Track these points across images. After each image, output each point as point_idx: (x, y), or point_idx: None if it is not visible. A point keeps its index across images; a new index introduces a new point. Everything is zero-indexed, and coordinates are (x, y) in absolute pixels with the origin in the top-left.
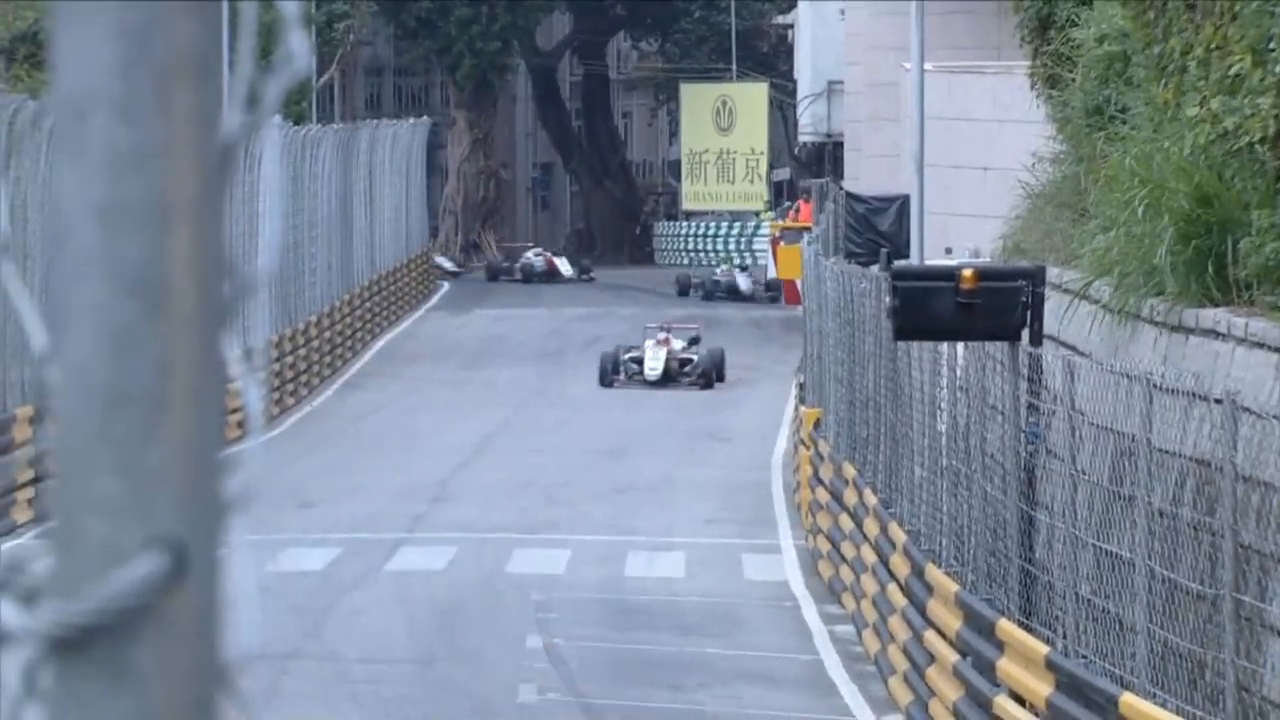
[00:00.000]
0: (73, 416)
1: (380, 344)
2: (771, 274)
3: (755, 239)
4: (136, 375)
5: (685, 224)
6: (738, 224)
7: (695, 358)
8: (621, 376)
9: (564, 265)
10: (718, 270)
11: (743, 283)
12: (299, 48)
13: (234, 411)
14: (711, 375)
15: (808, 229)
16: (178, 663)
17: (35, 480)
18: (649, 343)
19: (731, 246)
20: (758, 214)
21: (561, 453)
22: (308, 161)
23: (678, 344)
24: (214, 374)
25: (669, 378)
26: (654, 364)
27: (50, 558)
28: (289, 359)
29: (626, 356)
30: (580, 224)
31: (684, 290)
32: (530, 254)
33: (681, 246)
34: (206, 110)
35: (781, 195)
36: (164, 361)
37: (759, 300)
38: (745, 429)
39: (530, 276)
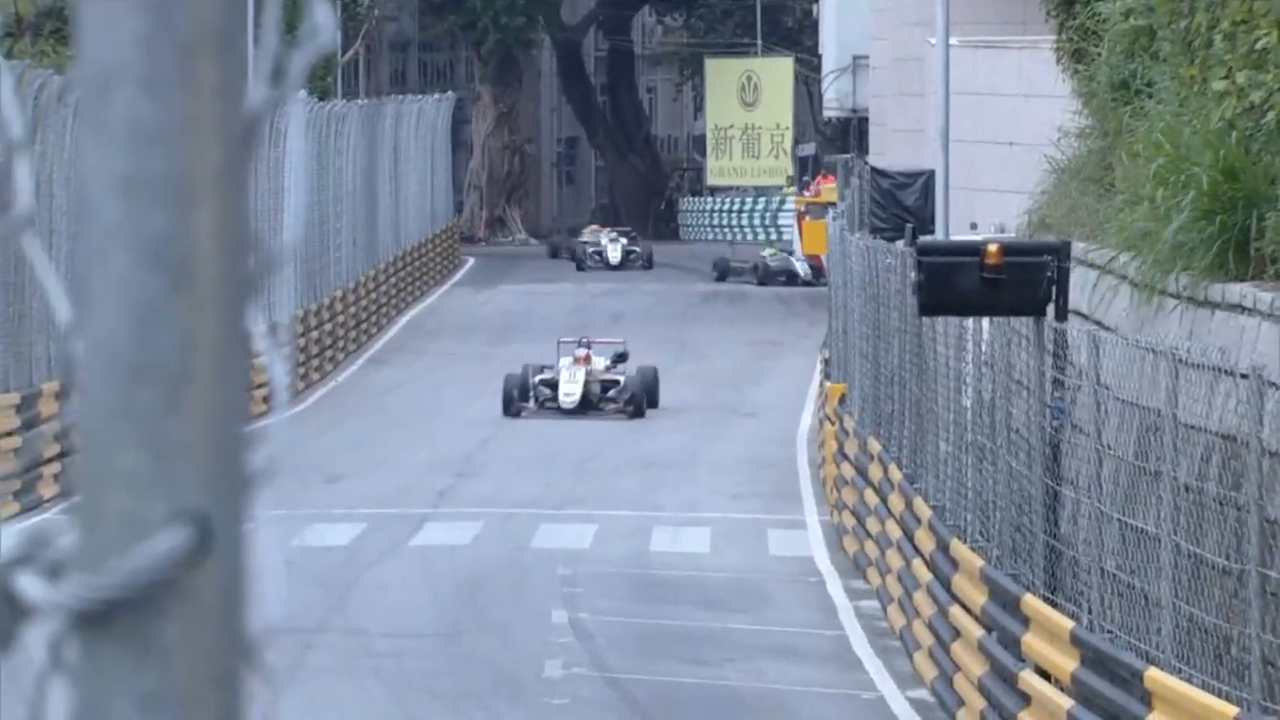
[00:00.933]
0: (96, 390)
1: (405, 319)
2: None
3: (780, 214)
4: (160, 349)
5: (710, 199)
6: (763, 199)
7: (621, 379)
8: (531, 404)
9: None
10: (767, 254)
11: (799, 267)
12: (324, 21)
13: (259, 387)
14: (642, 401)
15: (833, 204)
16: (202, 637)
17: (61, 455)
18: (564, 361)
19: (757, 222)
20: (781, 188)
21: (587, 427)
22: (333, 137)
23: (600, 362)
24: (238, 348)
25: (589, 404)
26: (570, 388)
27: (75, 532)
28: (314, 334)
29: (538, 379)
30: (605, 199)
31: (723, 274)
32: (604, 237)
33: (706, 222)
34: (231, 84)
35: (806, 170)
36: (188, 336)
37: (816, 285)
38: (770, 404)
39: (583, 262)
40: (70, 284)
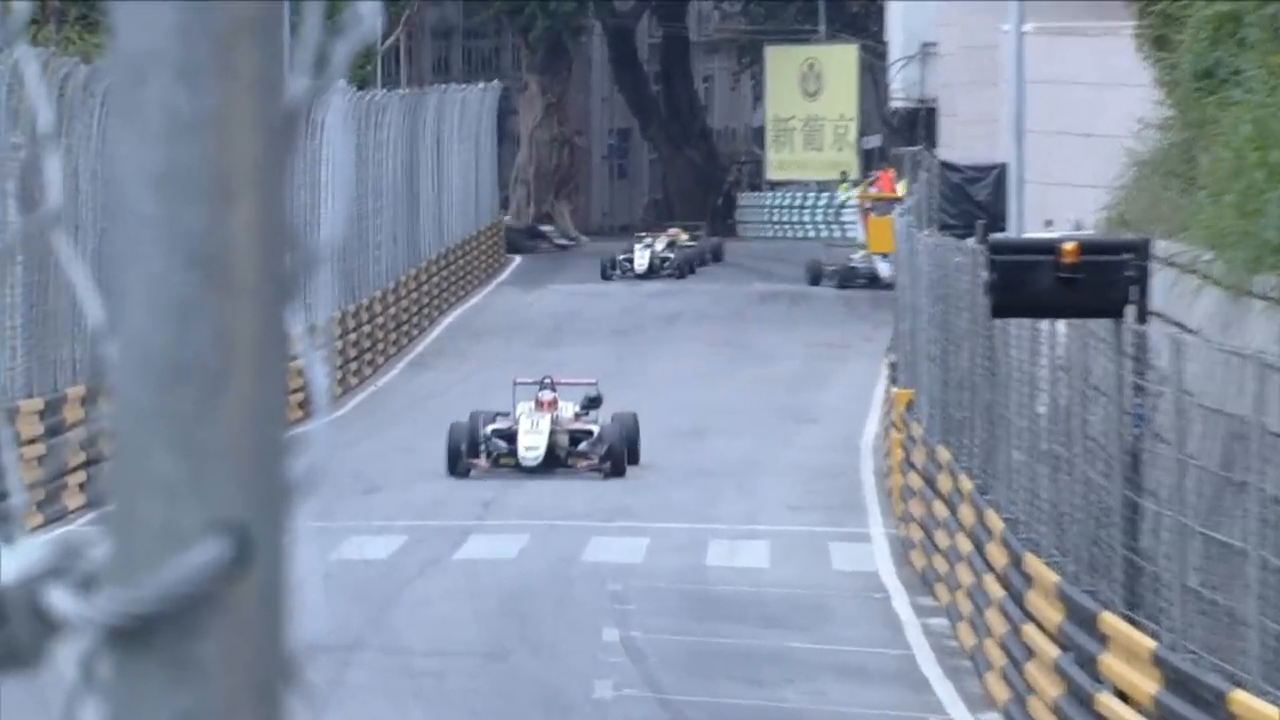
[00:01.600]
0: (129, 393)
1: (448, 320)
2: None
3: (844, 210)
4: (196, 349)
5: (770, 194)
6: (825, 194)
7: (595, 429)
8: (483, 460)
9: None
10: (855, 256)
11: (883, 269)
12: (367, 9)
13: (295, 391)
14: (621, 456)
15: (899, 200)
16: (240, 653)
17: (87, 464)
18: (524, 407)
19: (819, 218)
20: (839, 184)
21: (641, 434)
22: (372, 129)
23: (568, 408)
24: (276, 350)
25: (555, 460)
26: (532, 441)
27: (107, 542)
28: (352, 336)
29: (491, 429)
30: (658, 194)
31: (816, 278)
32: (651, 242)
33: (766, 218)
34: (269, 74)
35: (872, 163)
36: (224, 335)
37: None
38: (833, 409)
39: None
40: (101, 282)
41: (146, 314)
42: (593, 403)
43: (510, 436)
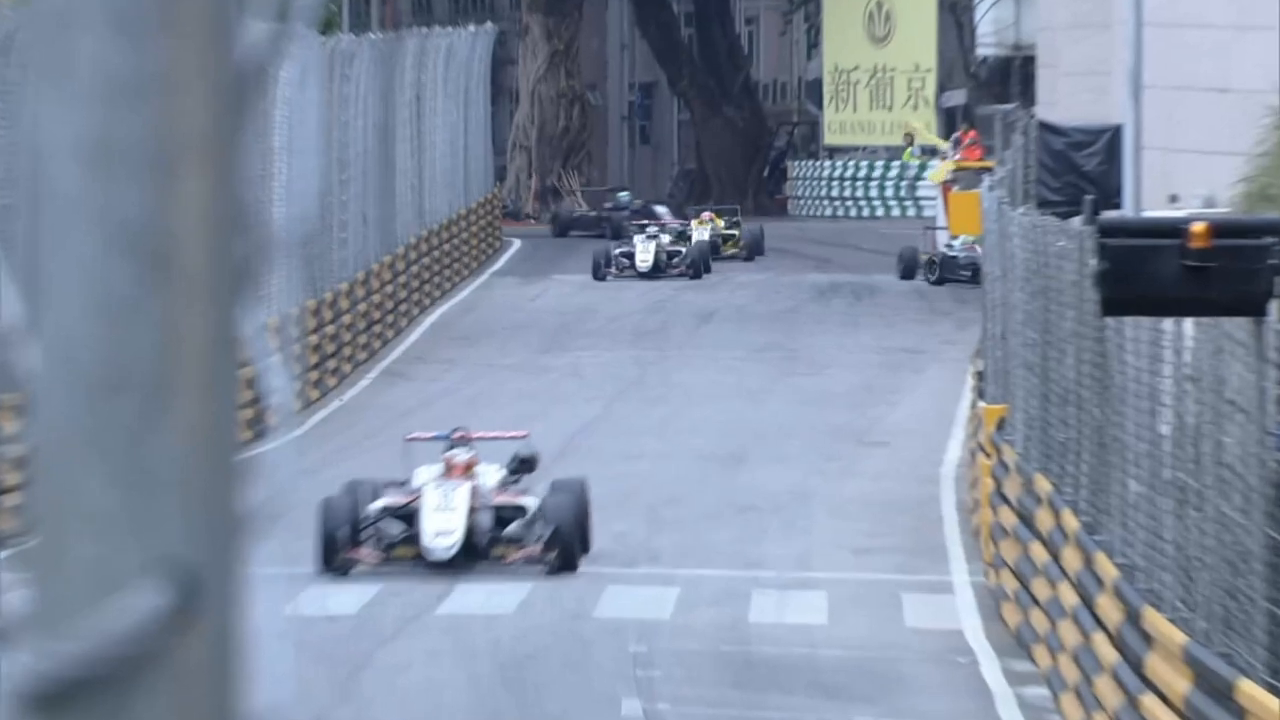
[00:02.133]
0: (55, 408)
1: (431, 319)
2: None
3: (919, 183)
4: (134, 355)
5: (828, 163)
6: (896, 163)
7: (529, 505)
8: (369, 551)
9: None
10: (955, 244)
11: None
12: None
13: (248, 405)
14: (572, 542)
15: (988, 169)
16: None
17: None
18: (428, 474)
19: (888, 192)
20: (904, 150)
21: (667, 460)
22: (336, 83)
23: (490, 474)
24: (229, 356)
25: (474, 550)
26: (443, 524)
27: (30, 585)
28: (312, 339)
29: (379, 505)
30: (690, 164)
31: (910, 270)
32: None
33: (824, 193)
34: (219, 24)
35: (954, 125)
36: (168, 338)
37: None
38: (906, 429)
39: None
40: (20, 275)
41: (76, 313)
42: (524, 464)
43: (409, 516)
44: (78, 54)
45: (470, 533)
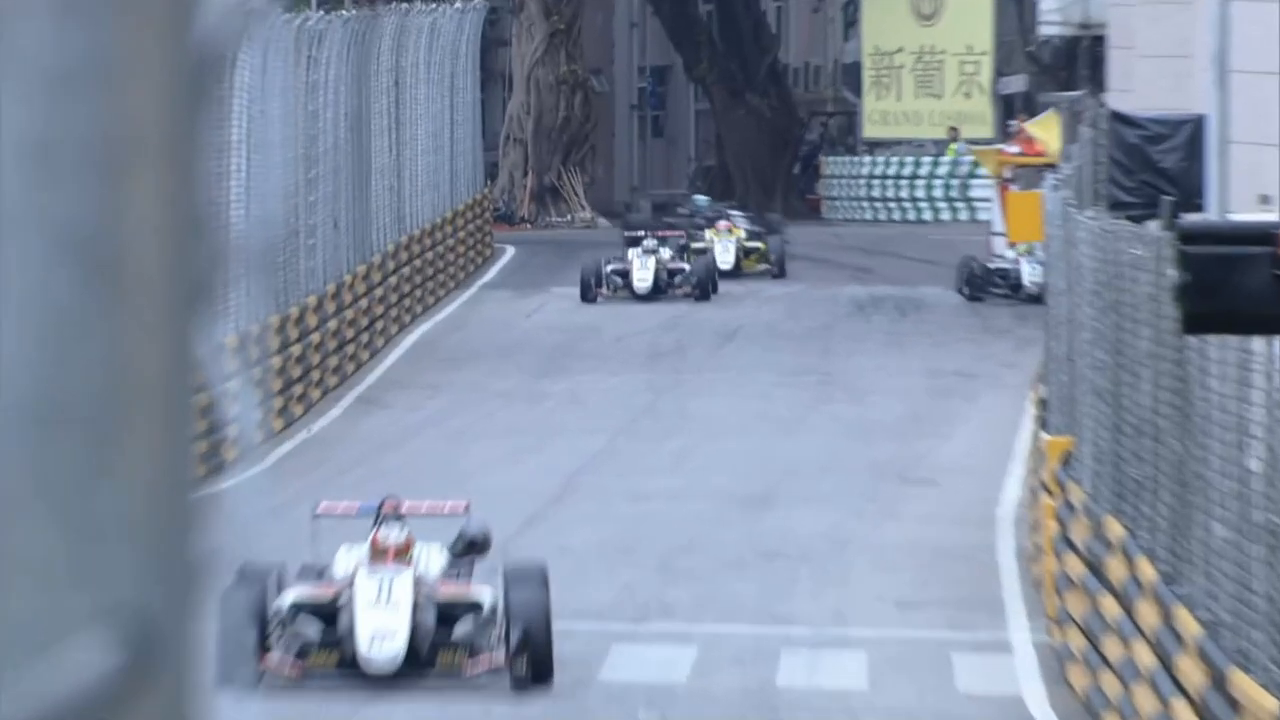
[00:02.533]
0: None
1: (411, 339)
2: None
3: (971, 182)
4: (80, 381)
5: (868, 159)
6: (945, 159)
7: (484, 602)
8: (278, 657)
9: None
10: (1008, 255)
11: (1029, 273)
12: None
13: (204, 436)
14: (546, 649)
15: (1050, 166)
16: None
17: None
18: (352, 559)
19: (937, 193)
20: (950, 142)
21: (683, 500)
22: (304, 68)
23: (432, 559)
24: (185, 381)
25: (416, 658)
26: (382, 623)
27: None
28: (275, 361)
29: (291, 599)
30: (709, 160)
31: (977, 287)
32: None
33: (863, 193)
34: (177, 5)
35: (1012, 115)
36: (118, 362)
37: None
38: (957, 465)
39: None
40: None
41: (11, 333)
42: (474, 546)
43: (331, 617)
44: (16, 42)
45: (414, 640)
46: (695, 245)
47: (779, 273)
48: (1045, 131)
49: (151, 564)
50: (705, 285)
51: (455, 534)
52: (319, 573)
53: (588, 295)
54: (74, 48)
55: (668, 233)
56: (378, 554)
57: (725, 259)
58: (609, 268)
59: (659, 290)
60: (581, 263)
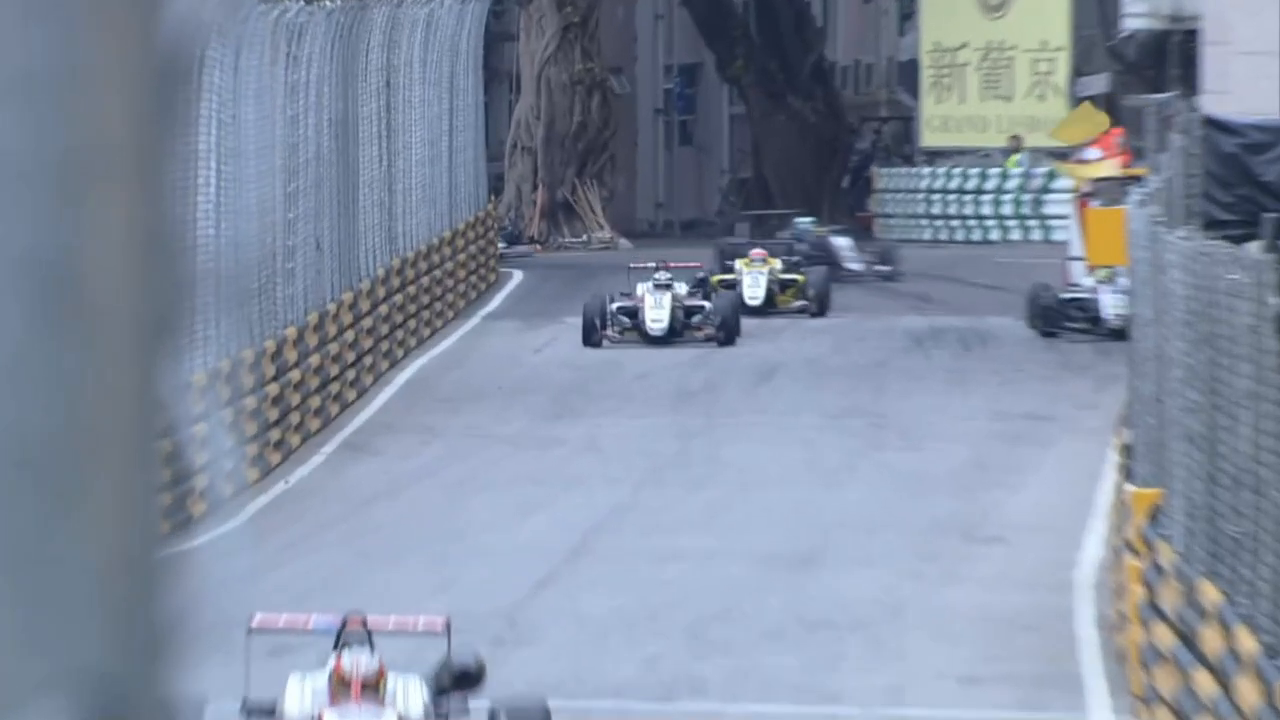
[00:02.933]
0: None
1: (404, 376)
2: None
3: (1046, 197)
4: (34, 424)
5: (927, 171)
6: (1018, 171)
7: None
8: None
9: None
10: (1086, 283)
11: (1110, 304)
12: None
13: (172, 485)
14: None
15: (1135, 179)
16: None
17: None
18: (304, 701)
19: (1006, 209)
20: (1012, 153)
21: (716, 561)
22: (284, 67)
23: (410, 697)
24: (151, 424)
25: None
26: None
27: None
28: (249, 402)
29: None
30: (745, 172)
31: (1052, 321)
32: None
33: (921, 209)
34: (142, 6)
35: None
36: (79, 401)
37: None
38: (1029, 522)
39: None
40: None
41: None
42: (465, 680)
43: None
44: None
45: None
46: (719, 277)
47: (818, 310)
48: (1073, 130)
49: (115, 627)
50: (731, 326)
51: (437, 661)
52: (267, 712)
53: (591, 338)
54: (35, 51)
55: (684, 264)
56: (341, 687)
57: (754, 293)
58: (615, 305)
59: (674, 332)
60: (585, 299)
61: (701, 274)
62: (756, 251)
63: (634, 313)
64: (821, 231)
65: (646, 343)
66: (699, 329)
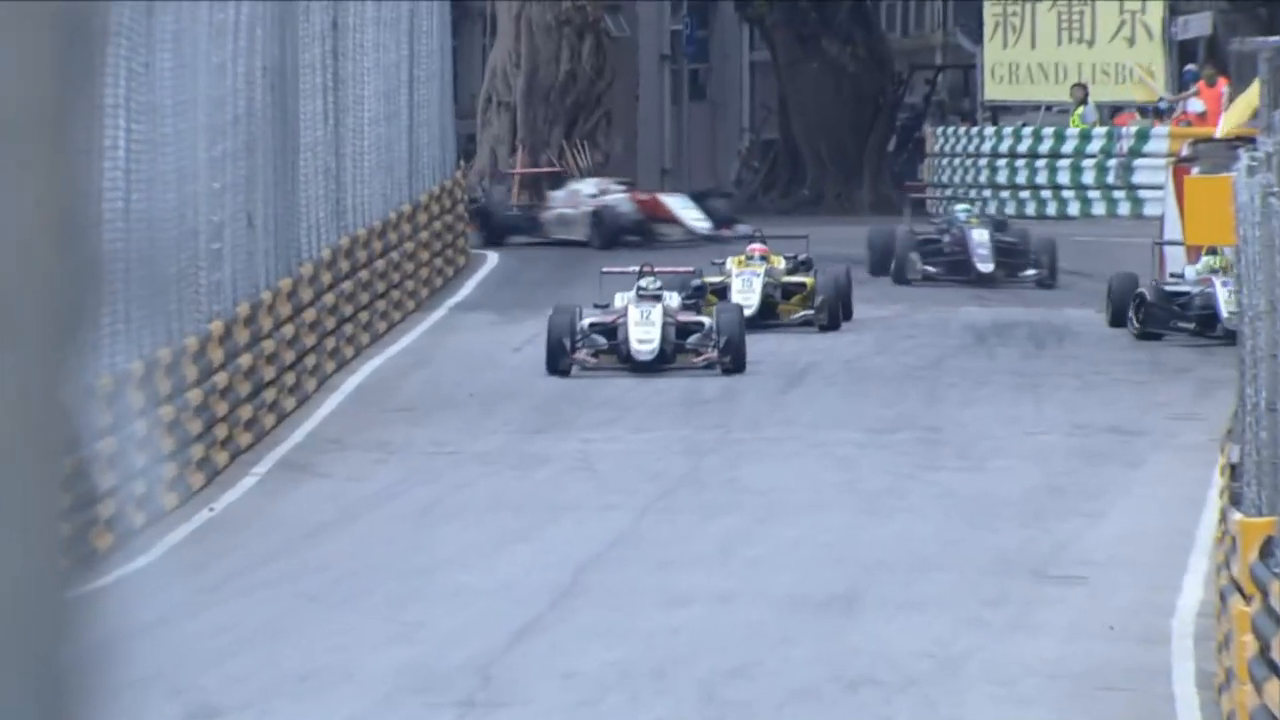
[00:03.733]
0: None
1: (355, 380)
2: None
3: (1136, 163)
4: None
5: (990, 130)
6: (1102, 131)
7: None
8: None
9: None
10: (1189, 273)
11: (1225, 299)
12: None
13: (75, 510)
14: None
15: (1247, 141)
16: None
17: None
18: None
19: (1087, 178)
20: (1078, 105)
21: (734, 605)
22: (207, 7)
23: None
24: (54, 438)
25: None
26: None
27: None
28: (167, 411)
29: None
30: (771, 133)
31: (1150, 320)
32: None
33: (983, 177)
34: None
35: (1197, 65)
36: None
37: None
38: (1114, 556)
39: None
40: None
41: None
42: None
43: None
44: None
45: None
46: (655, 295)
47: (828, 324)
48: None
49: (14, 673)
50: (737, 349)
51: None
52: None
53: (558, 364)
54: None
55: (674, 268)
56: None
57: (746, 299)
58: (588, 319)
59: (664, 357)
60: (550, 313)
61: (697, 281)
62: (756, 247)
63: (613, 330)
64: (975, 221)
65: (630, 369)
66: (696, 353)
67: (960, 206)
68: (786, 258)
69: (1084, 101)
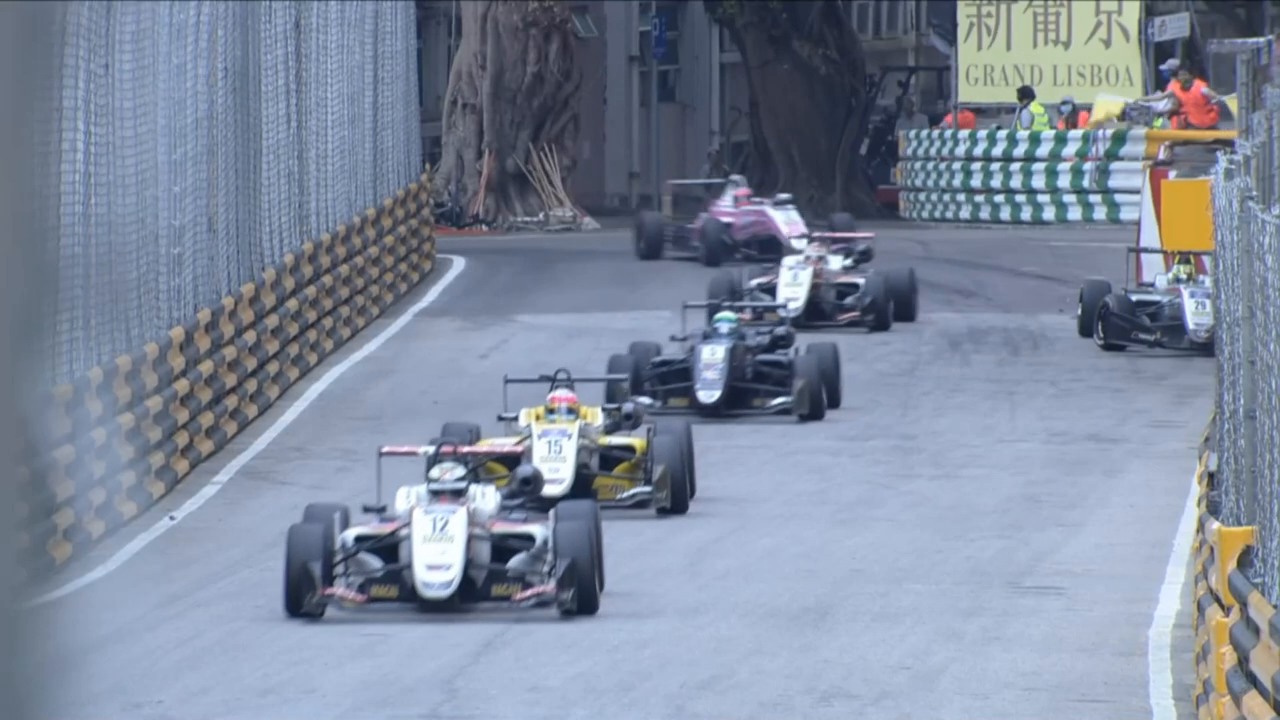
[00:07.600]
0: None
1: (318, 389)
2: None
3: (1113, 167)
4: None
5: (964, 134)
6: (1074, 134)
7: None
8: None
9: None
10: (1160, 282)
11: (1193, 310)
12: None
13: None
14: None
15: (1224, 145)
16: None
17: None
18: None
19: (1062, 181)
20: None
21: (704, 617)
22: (166, 4)
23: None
24: (9, 447)
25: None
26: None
27: None
28: (126, 419)
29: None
30: (741, 134)
31: (1111, 331)
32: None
33: (957, 181)
34: None
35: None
36: None
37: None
38: (1091, 567)
39: None
40: None
41: None
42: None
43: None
44: None
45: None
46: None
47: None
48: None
49: None
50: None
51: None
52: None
53: (302, 603)
54: None
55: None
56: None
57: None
58: (353, 532)
59: (471, 591)
60: (293, 525)
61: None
62: (560, 396)
63: (391, 549)
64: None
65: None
66: (523, 580)
67: (721, 315)
68: (605, 409)
69: (1032, 96)
